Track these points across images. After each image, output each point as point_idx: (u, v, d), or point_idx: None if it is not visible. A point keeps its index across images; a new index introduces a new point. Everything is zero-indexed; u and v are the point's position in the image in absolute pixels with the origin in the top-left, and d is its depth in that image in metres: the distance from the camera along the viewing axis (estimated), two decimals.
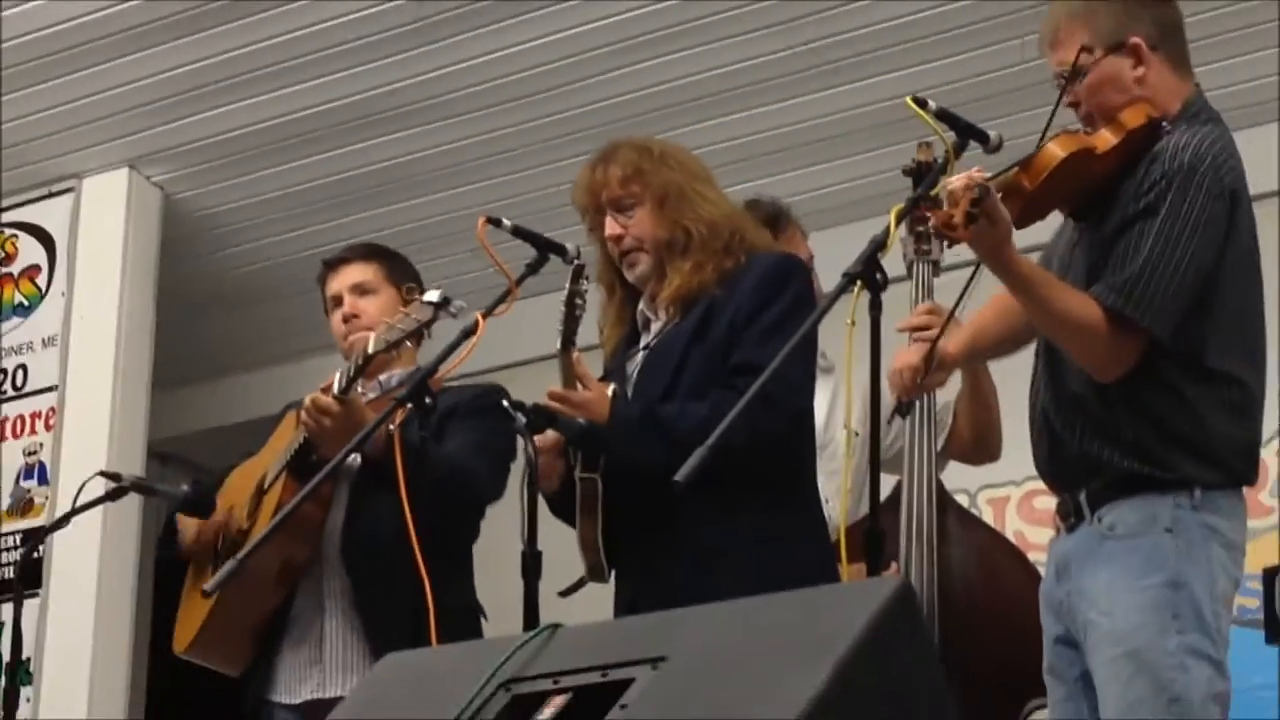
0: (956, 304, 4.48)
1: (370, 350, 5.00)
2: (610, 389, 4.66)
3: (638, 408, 4.64)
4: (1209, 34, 6.57)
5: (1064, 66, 4.30)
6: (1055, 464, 4.32)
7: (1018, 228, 4.12)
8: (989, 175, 4.02)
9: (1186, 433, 4.15)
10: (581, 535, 4.70)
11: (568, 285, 4.58)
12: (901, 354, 4.47)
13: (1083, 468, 4.23)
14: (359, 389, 5.27)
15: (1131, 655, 4.06)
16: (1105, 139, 4.22)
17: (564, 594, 4.67)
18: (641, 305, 4.88)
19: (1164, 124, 4.25)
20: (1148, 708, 4.03)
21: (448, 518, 4.95)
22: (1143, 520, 4.12)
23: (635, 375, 4.81)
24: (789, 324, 4.43)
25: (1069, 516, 4.28)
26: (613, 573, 4.79)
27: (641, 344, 4.85)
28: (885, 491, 4.59)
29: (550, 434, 4.65)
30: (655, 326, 4.83)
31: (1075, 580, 4.22)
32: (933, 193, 4.24)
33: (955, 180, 3.99)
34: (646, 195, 4.78)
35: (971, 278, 4.30)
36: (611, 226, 4.78)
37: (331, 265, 5.57)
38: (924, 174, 4.81)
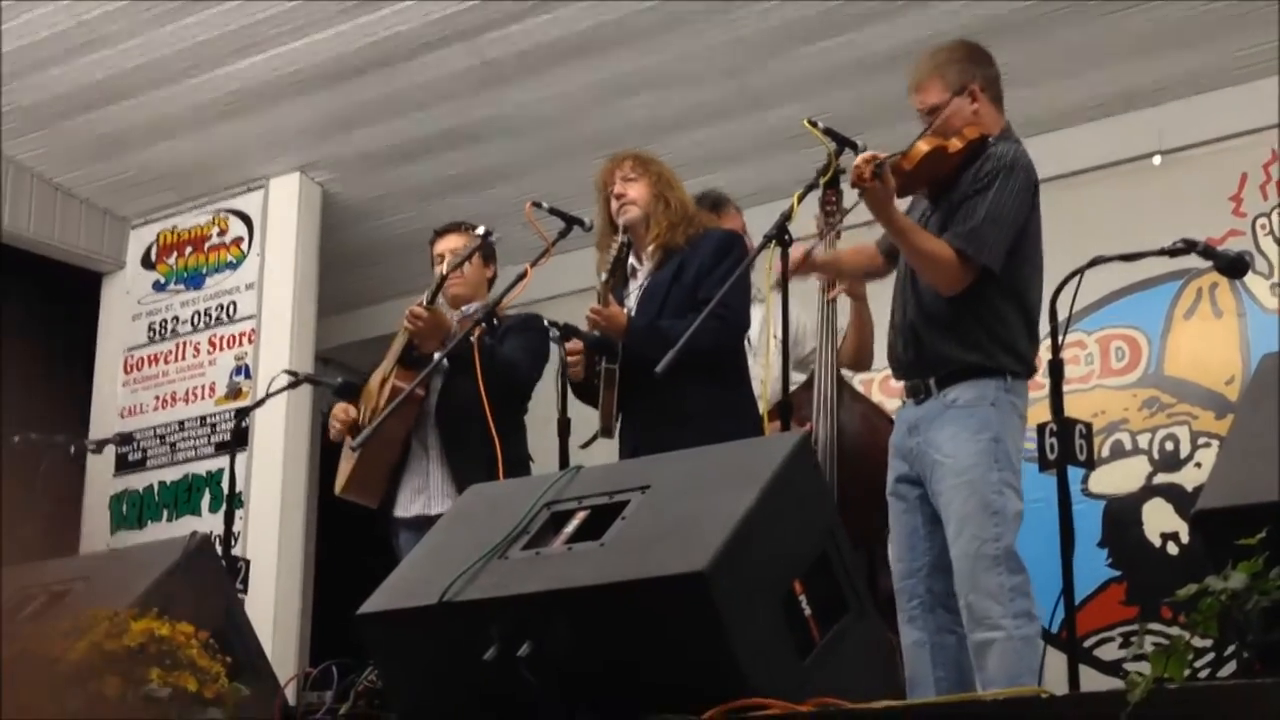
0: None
1: (444, 271, 5.10)
2: (626, 309, 4.70)
3: (643, 321, 4.67)
4: None
5: (926, 105, 4.37)
6: (915, 358, 4.32)
7: (898, 196, 4.18)
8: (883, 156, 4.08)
9: (1005, 336, 4.19)
10: (603, 405, 4.72)
11: (615, 249, 4.72)
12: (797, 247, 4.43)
13: (935, 360, 4.25)
14: (449, 314, 5.29)
15: (969, 484, 4.10)
16: (954, 144, 4.28)
17: (583, 446, 4.68)
18: (630, 260, 4.90)
19: (989, 139, 4.29)
20: (976, 518, 4.07)
21: (506, 394, 4.98)
22: (976, 397, 4.17)
23: (635, 305, 4.83)
24: (728, 278, 4.45)
25: (919, 394, 4.30)
26: (618, 431, 4.81)
27: (635, 285, 4.87)
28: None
29: (578, 342, 4.69)
30: (640, 274, 4.85)
31: (924, 435, 4.23)
32: (824, 180, 4.28)
33: (861, 156, 4.07)
34: (646, 175, 4.88)
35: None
36: (620, 186, 4.87)
37: (438, 233, 5.61)
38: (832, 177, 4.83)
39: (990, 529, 4.05)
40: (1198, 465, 6.44)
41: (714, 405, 4.65)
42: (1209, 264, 4.03)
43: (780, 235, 4.20)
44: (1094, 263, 3.95)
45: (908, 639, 4.26)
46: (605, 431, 4.77)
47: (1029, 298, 4.25)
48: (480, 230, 5.22)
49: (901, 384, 4.45)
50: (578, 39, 6.88)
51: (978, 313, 4.20)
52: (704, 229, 4.91)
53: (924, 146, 4.23)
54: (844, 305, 5.22)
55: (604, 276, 4.73)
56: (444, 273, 5.17)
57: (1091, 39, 6.55)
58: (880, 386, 6.87)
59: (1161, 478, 6.56)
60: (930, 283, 4.24)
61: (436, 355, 5.02)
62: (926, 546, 4.24)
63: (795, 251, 4.32)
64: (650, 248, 4.89)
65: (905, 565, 4.30)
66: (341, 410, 5.37)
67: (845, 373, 5.27)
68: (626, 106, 7.32)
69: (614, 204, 4.89)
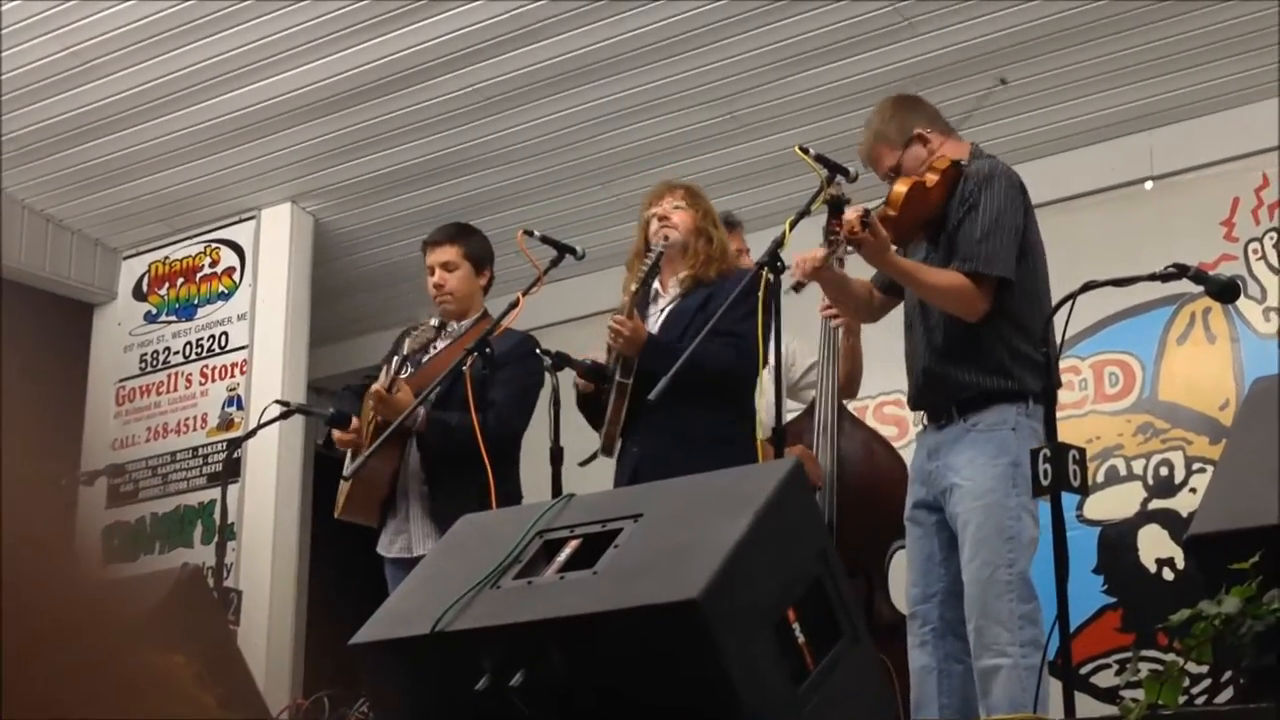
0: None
1: (430, 332, 5.14)
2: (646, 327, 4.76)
3: (665, 342, 4.67)
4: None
5: (885, 170, 4.44)
6: (936, 386, 4.31)
7: (895, 243, 4.18)
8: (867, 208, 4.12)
9: (1027, 354, 4.17)
10: (610, 419, 4.71)
11: (650, 261, 4.75)
12: (806, 253, 4.37)
13: (956, 386, 4.24)
14: (440, 339, 5.29)
15: (985, 507, 4.10)
16: (930, 178, 4.29)
17: (582, 464, 4.68)
18: (655, 285, 4.91)
19: (961, 163, 4.30)
20: (990, 543, 4.07)
21: (491, 448, 4.95)
22: (997, 420, 4.17)
23: (657, 326, 4.82)
24: (753, 315, 4.46)
25: (940, 418, 4.30)
26: (617, 451, 4.80)
27: (655, 308, 4.87)
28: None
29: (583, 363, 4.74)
30: (663, 300, 4.85)
31: (944, 458, 4.24)
32: (817, 206, 4.28)
33: (850, 212, 4.09)
34: (695, 209, 4.92)
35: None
36: (666, 211, 4.85)
37: (429, 243, 5.54)
38: (833, 205, 4.84)
39: (1004, 554, 4.04)
40: (1192, 491, 6.43)
41: (722, 432, 4.65)
42: (1201, 289, 4.04)
43: (772, 262, 4.20)
44: (1086, 288, 3.95)
45: (916, 663, 4.26)
46: (606, 450, 4.76)
47: (1044, 306, 4.24)
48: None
49: (922, 412, 4.45)
50: (569, 67, 6.89)
51: (998, 332, 4.20)
52: (735, 268, 4.93)
53: (901, 188, 4.26)
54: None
55: (633, 287, 4.74)
56: (392, 373, 5.15)
57: (1083, 64, 6.57)
58: (874, 413, 6.86)
59: (1156, 503, 6.56)
60: (955, 314, 4.23)
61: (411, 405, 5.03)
62: (942, 573, 4.24)
63: (817, 253, 4.26)
64: (681, 275, 4.90)
65: (919, 590, 4.30)
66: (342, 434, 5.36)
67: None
68: (618, 134, 7.34)
69: (655, 224, 4.89)
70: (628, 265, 5.00)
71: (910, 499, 4.38)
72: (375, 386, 5.11)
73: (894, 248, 4.22)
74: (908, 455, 6.95)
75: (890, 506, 4.75)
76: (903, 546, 4.84)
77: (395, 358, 5.24)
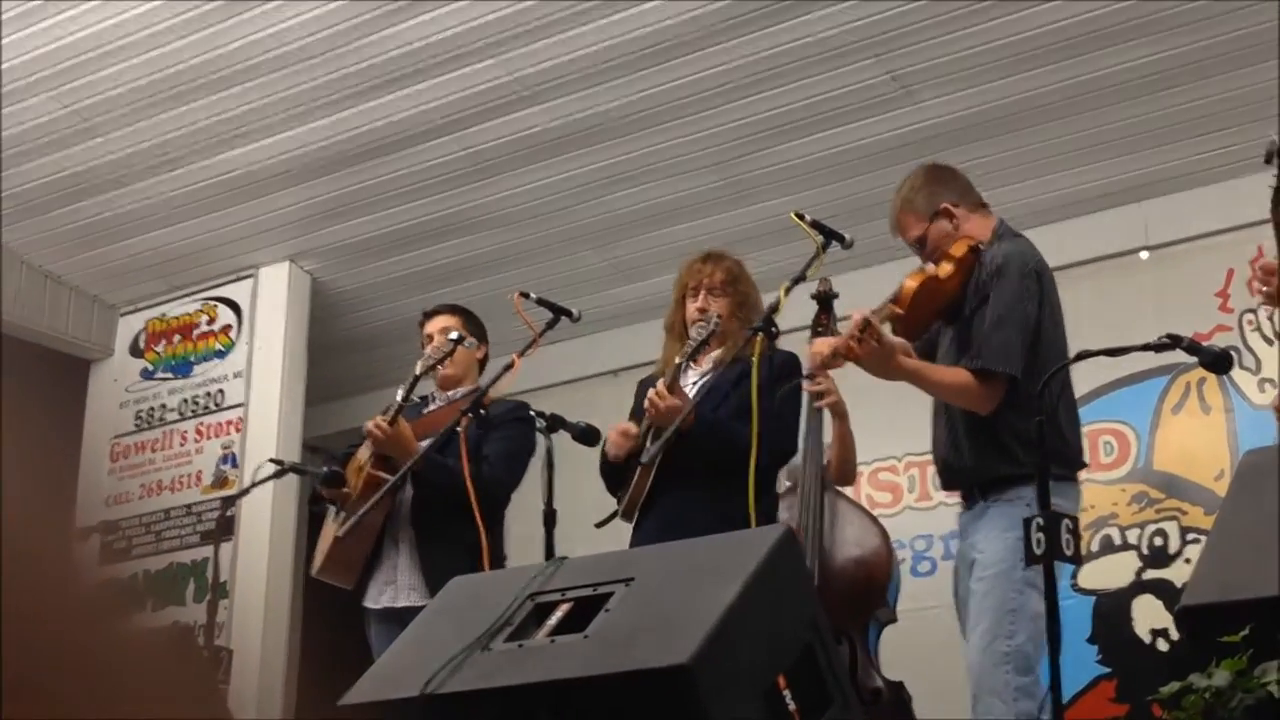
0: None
1: (417, 373, 5.13)
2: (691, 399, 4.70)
3: (709, 415, 4.64)
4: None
5: (911, 240, 4.46)
6: (960, 470, 4.34)
7: (907, 339, 4.20)
8: (872, 311, 4.10)
9: (1036, 439, 4.17)
10: (636, 486, 4.69)
11: (701, 336, 4.68)
12: (819, 342, 4.44)
13: (976, 470, 4.25)
14: (433, 401, 5.31)
15: (992, 578, 4.12)
16: (945, 268, 4.30)
17: (599, 525, 4.67)
18: (681, 359, 4.85)
19: (980, 247, 4.31)
20: (992, 614, 4.09)
21: (480, 501, 4.95)
22: (1013, 497, 4.16)
23: (697, 397, 4.77)
24: (791, 398, 4.52)
25: (969, 499, 4.32)
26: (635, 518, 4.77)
27: (686, 380, 4.81)
28: None
29: (631, 426, 4.69)
30: (694, 372, 4.82)
31: (970, 537, 4.27)
32: (809, 273, 4.28)
33: (852, 322, 4.07)
34: (733, 295, 4.84)
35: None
36: (704, 301, 4.82)
37: (428, 315, 5.61)
38: (821, 300, 4.86)
39: (1005, 625, 4.04)
40: (1187, 561, 6.43)
41: (758, 509, 4.66)
42: (1195, 359, 4.05)
43: (767, 327, 4.22)
44: (1080, 357, 3.96)
45: None
46: (626, 515, 4.75)
47: (1063, 393, 4.26)
48: (454, 335, 5.25)
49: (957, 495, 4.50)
50: (565, 131, 6.94)
51: (1009, 423, 4.20)
52: (774, 347, 4.88)
53: (911, 284, 4.23)
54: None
55: (679, 361, 4.69)
56: (416, 374, 5.17)
57: (1078, 135, 6.62)
58: (869, 479, 6.86)
59: (1151, 573, 6.55)
60: (966, 409, 4.25)
61: (404, 467, 5.03)
62: None
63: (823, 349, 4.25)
64: (715, 354, 4.87)
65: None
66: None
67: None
68: (614, 198, 7.37)
69: (691, 306, 4.86)
70: (667, 327, 4.98)
71: (955, 582, 4.43)
72: (375, 420, 5.13)
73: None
74: (901, 522, 7.00)
75: (873, 572, 4.76)
76: (891, 618, 4.86)
77: (390, 409, 5.24)
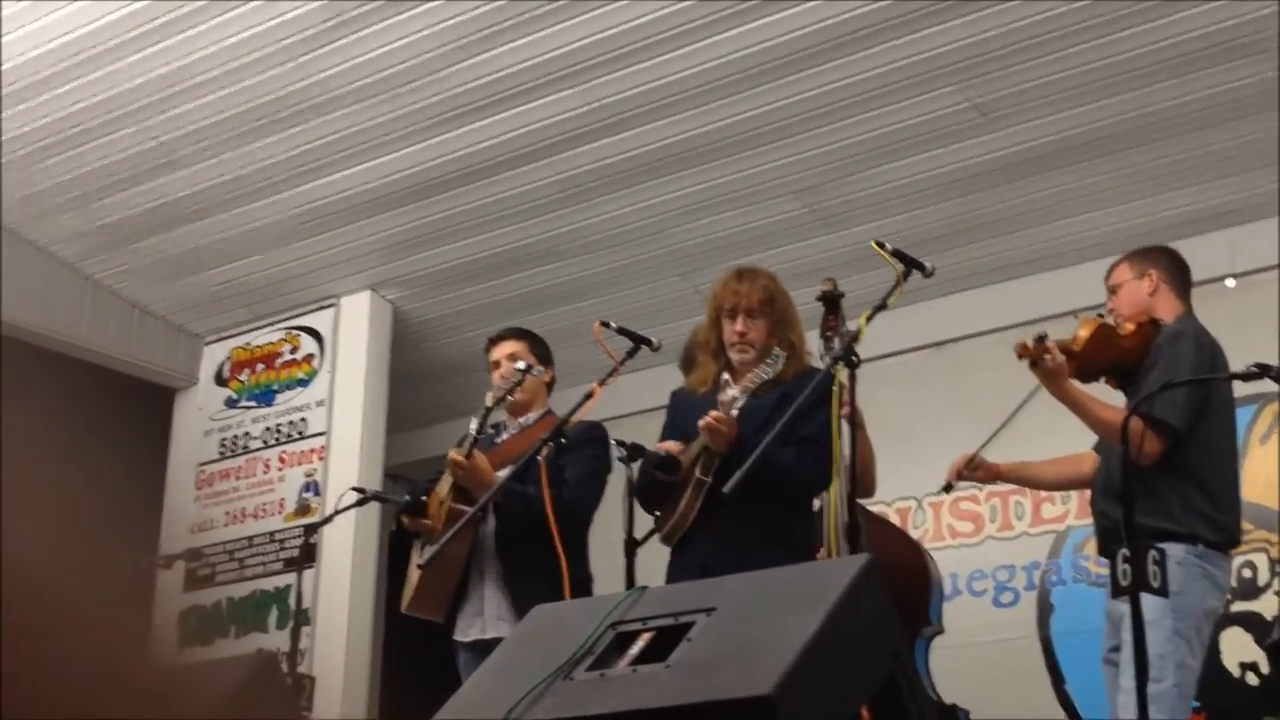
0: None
1: (488, 404, 5.11)
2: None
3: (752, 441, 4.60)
4: None
5: (1111, 282, 4.80)
6: (1116, 525, 4.31)
7: (1078, 379, 4.43)
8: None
9: (1200, 506, 4.27)
10: (683, 512, 4.67)
11: (768, 367, 4.61)
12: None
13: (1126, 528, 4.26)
14: (505, 429, 5.31)
15: (1145, 624, 4.10)
16: (1126, 327, 4.61)
17: (638, 543, 4.64)
18: (726, 377, 4.84)
19: (1159, 322, 4.58)
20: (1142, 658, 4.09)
21: (570, 521, 4.96)
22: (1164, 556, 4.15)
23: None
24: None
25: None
26: (675, 543, 4.76)
27: (721, 399, 4.77)
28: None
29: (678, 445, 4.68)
30: (729, 391, 4.77)
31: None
32: (891, 301, 4.27)
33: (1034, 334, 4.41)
34: (769, 318, 4.79)
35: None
36: (743, 325, 4.78)
37: (494, 340, 5.59)
38: (828, 301, 4.81)
39: (1151, 670, 4.01)
40: (1276, 594, 6.33)
41: (795, 533, 4.66)
42: None
43: (847, 356, 4.20)
44: (1166, 387, 3.93)
45: None
46: (667, 539, 4.74)
47: (1228, 467, 4.30)
48: (521, 364, 5.23)
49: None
50: (648, 159, 6.96)
51: (1174, 486, 4.25)
52: (810, 366, 4.85)
53: (1084, 332, 4.53)
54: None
55: (750, 388, 4.66)
56: (487, 406, 5.17)
57: (1162, 161, 6.56)
58: (949, 509, 6.80)
59: (1239, 606, 6.45)
60: (1123, 459, 4.25)
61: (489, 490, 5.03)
62: None
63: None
64: (751, 376, 4.84)
65: None
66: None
67: None
68: (697, 226, 7.38)
69: (729, 328, 4.82)
70: (701, 345, 4.97)
71: (1105, 642, 4.49)
72: (452, 453, 5.13)
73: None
74: (983, 551, 6.93)
75: (911, 590, 4.82)
76: (938, 630, 4.84)
77: (464, 440, 5.24)
